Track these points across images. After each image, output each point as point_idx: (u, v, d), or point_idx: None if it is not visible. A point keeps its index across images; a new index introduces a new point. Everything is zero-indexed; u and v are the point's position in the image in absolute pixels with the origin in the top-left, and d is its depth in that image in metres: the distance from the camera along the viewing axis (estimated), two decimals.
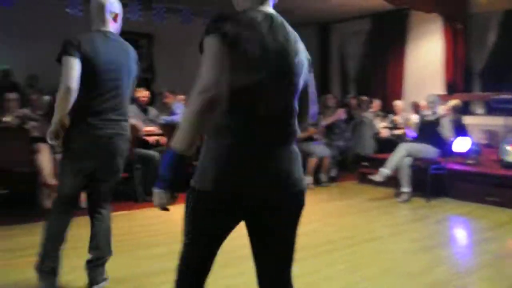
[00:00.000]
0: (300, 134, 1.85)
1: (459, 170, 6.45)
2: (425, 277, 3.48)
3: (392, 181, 6.45)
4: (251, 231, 1.90)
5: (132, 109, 6.32)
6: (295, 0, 8.92)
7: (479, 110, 9.10)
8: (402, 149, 6.26)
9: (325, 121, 7.80)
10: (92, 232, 3.24)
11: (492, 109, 7.81)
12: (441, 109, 6.63)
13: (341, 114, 8.02)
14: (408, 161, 6.18)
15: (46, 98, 6.58)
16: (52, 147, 5.33)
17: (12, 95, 5.52)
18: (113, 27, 3.12)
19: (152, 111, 6.67)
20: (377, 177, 6.20)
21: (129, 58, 3.12)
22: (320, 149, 7.19)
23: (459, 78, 9.10)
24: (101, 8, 3.08)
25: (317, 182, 7.18)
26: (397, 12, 9.91)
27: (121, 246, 4.10)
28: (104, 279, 3.17)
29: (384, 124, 8.90)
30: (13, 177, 5.37)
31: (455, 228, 5.36)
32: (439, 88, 9.16)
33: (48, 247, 3.02)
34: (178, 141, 1.61)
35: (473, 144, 6.97)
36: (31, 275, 3.35)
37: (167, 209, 1.69)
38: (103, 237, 3.24)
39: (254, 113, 1.69)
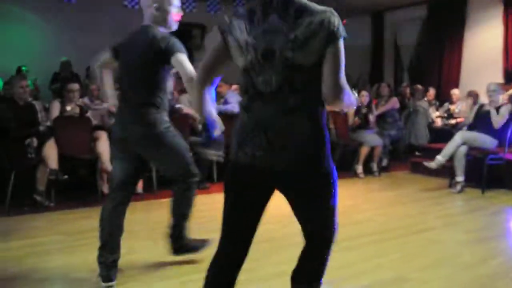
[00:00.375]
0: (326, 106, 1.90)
1: None
2: (480, 269, 3.41)
3: (446, 171, 6.31)
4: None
5: (185, 99, 6.50)
6: None
7: None
8: (458, 137, 6.11)
9: (378, 110, 7.71)
10: None
11: None
12: (501, 99, 6.41)
13: (394, 103, 7.89)
14: (463, 149, 6.01)
15: None
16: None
17: (75, 86, 5.75)
18: None
19: None
20: (432, 165, 6.08)
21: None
22: (372, 138, 7.11)
23: None
24: None
25: (368, 171, 7.12)
26: None
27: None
28: None
29: (438, 113, 8.68)
30: (76, 164, 5.64)
31: (511, 220, 5.18)
32: (498, 76, 8.83)
33: None
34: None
35: None
36: (92, 257, 3.53)
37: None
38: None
39: (254, 90, 1.88)
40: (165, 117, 3.20)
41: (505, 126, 6.03)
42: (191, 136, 5.97)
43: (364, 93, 7.43)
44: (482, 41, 9.48)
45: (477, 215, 5.06)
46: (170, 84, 3.33)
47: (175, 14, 3.25)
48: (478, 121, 6.24)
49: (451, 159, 6.09)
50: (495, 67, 9.02)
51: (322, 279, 2.17)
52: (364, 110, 7.27)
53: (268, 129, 1.84)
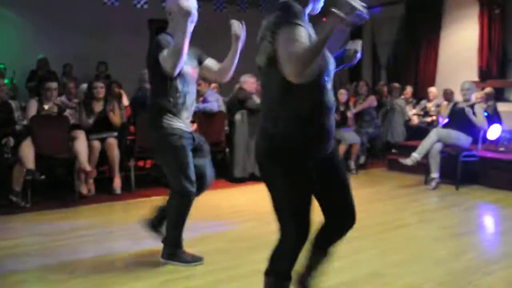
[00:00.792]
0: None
1: (491, 158, 6.34)
2: (453, 264, 3.48)
3: (421, 168, 6.41)
4: None
5: None
6: None
7: None
8: (433, 134, 6.21)
9: (356, 108, 7.78)
10: None
11: None
12: (475, 97, 6.52)
13: (372, 101, 7.97)
14: (438, 146, 6.11)
15: (83, 86, 6.77)
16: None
17: (53, 84, 5.67)
18: None
19: None
20: (408, 161, 6.16)
21: None
22: (350, 136, 7.18)
23: (493, 64, 8.89)
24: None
25: (346, 169, 7.16)
26: None
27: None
28: None
29: (415, 111, 8.81)
30: (53, 163, 5.58)
31: (484, 215, 5.30)
32: (473, 74, 8.98)
33: None
34: None
35: (505, 131, 6.86)
36: (69, 258, 3.53)
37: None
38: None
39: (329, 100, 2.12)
40: (179, 123, 3.25)
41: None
42: None
43: (342, 91, 7.50)
44: (458, 40, 9.63)
45: (451, 211, 5.15)
46: (188, 86, 3.31)
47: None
48: (454, 119, 6.34)
49: (426, 156, 6.18)
50: (470, 65, 9.17)
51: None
52: (342, 108, 7.34)
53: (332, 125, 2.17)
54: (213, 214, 4.79)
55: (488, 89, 7.81)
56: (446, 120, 6.60)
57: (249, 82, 6.51)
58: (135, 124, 5.77)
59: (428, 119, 8.37)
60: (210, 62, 3.53)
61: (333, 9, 1.83)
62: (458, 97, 7.32)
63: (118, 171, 5.65)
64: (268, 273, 2.24)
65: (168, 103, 3.20)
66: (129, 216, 4.77)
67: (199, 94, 6.76)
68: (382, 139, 8.48)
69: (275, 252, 2.23)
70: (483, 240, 4.30)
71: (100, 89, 5.71)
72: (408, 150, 6.63)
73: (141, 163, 6.88)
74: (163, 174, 6.14)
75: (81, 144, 5.34)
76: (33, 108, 5.45)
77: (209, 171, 3.55)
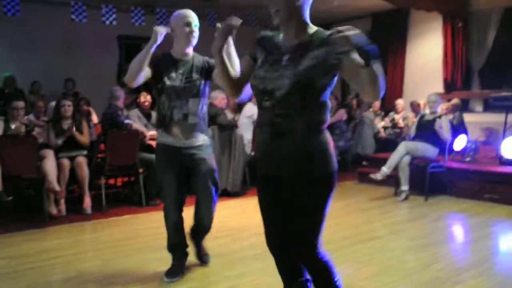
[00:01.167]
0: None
1: (457, 168, 6.51)
2: (424, 274, 3.55)
3: (392, 180, 6.52)
4: None
5: (135, 114, 6.44)
6: None
7: (478, 107, 9.17)
8: (401, 148, 6.33)
9: None
10: None
11: (491, 107, 7.87)
12: (440, 109, 6.69)
13: (342, 114, 8.09)
14: (407, 159, 6.25)
15: (52, 104, 6.67)
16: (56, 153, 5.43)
17: (20, 103, 5.59)
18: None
19: (155, 115, 6.75)
20: (378, 176, 6.27)
21: None
22: None
23: (458, 76, 9.15)
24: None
25: None
26: (398, 11, 9.99)
27: (130, 250, 4.19)
28: None
29: (383, 123, 8.97)
30: (21, 184, 5.47)
31: (453, 225, 5.41)
32: (438, 86, 9.22)
33: None
34: None
35: (471, 141, 7.04)
36: (39, 281, 3.45)
37: None
38: None
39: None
40: (162, 138, 3.36)
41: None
42: (141, 152, 5.92)
43: None
44: (423, 53, 9.89)
45: (421, 222, 5.25)
46: (175, 101, 3.32)
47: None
48: (420, 131, 6.48)
49: (395, 168, 6.30)
50: (435, 77, 9.43)
51: None
52: None
53: None
54: (186, 231, 4.76)
55: (455, 101, 8.02)
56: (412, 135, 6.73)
57: (220, 98, 6.55)
58: (105, 141, 5.72)
59: (397, 130, 8.53)
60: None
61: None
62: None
63: (88, 190, 5.57)
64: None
65: (158, 117, 3.39)
66: (100, 236, 4.71)
67: None
68: (352, 152, 8.59)
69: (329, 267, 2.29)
70: (452, 250, 4.38)
71: (68, 107, 5.63)
72: (378, 162, 6.75)
73: (112, 181, 6.81)
74: (135, 192, 6.13)
75: (49, 163, 5.25)
76: None
77: (203, 207, 3.65)
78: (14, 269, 3.72)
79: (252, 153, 6.61)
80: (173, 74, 3.32)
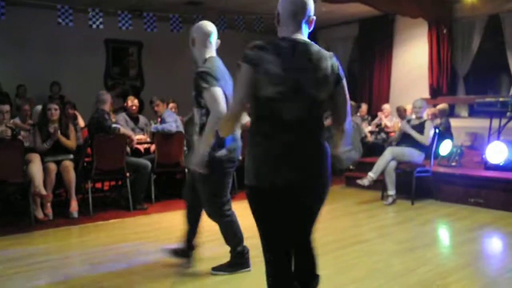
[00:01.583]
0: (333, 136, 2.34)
1: (443, 173, 6.59)
2: (410, 277, 3.59)
3: (378, 185, 6.59)
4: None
5: (122, 118, 6.43)
6: None
7: (463, 112, 9.28)
8: (387, 153, 6.39)
9: None
10: None
11: (476, 112, 7.97)
12: (425, 114, 6.76)
13: (329, 120, 8.12)
14: (393, 164, 6.31)
15: (38, 108, 6.63)
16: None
17: (5, 107, 5.56)
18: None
19: (142, 119, 6.76)
20: (364, 182, 6.32)
21: None
22: None
23: (443, 82, 9.26)
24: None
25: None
26: (384, 17, 10.10)
27: (117, 254, 4.19)
28: None
29: (370, 128, 9.04)
30: (7, 188, 5.43)
31: (439, 229, 5.47)
32: (424, 91, 9.32)
33: None
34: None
35: (456, 146, 7.13)
36: (25, 286, 3.44)
37: None
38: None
39: (279, 118, 2.14)
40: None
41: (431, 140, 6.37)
42: (128, 156, 5.91)
43: None
44: (409, 58, 10.00)
45: (407, 226, 5.30)
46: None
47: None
48: (406, 136, 6.54)
49: (382, 173, 6.36)
50: (421, 83, 9.53)
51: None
52: None
53: (296, 152, 2.18)
54: (173, 236, 4.76)
55: (442, 106, 8.09)
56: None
57: None
58: (92, 145, 5.70)
59: (383, 136, 8.60)
60: None
61: None
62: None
63: (75, 194, 5.55)
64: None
65: None
66: (87, 240, 4.70)
67: (156, 114, 6.76)
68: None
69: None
70: (438, 253, 4.43)
71: (54, 111, 5.61)
72: (365, 167, 6.80)
73: (99, 185, 6.78)
74: (122, 196, 6.11)
75: (36, 167, 5.23)
76: None
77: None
78: (0, 273, 3.70)
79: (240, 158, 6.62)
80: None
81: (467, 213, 5.78)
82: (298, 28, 2.26)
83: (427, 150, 6.39)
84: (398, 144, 6.59)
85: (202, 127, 3.24)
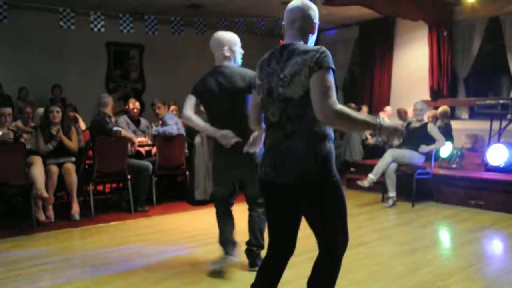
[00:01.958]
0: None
1: (443, 175, 6.60)
2: (411, 279, 3.60)
3: (379, 186, 6.59)
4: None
5: (124, 120, 6.45)
6: (283, 11, 9.06)
7: (464, 115, 9.29)
8: (388, 155, 6.40)
9: None
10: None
11: (476, 114, 7.98)
12: (426, 117, 6.78)
13: None
14: (393, 166, 6.32)
15: (40, 110, 6.66)
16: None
17: (7, 110, 5.57)
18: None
19: (143, 122, 6.78)
20: (365, 183, 6.32)
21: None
22: None
23: (444, 84, 9.27)
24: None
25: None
26: (384, 20, 10.11)
27: (118, 256, 4.20)
28: None
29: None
30: (9, 191, 5.45)
31: (440, 231, 5.47)
32: (425, 94, 9.33)
33: None
34: None
35: (457, 148, 7.14)
36: (26, 287, 3.44)
37: None
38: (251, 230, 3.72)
39: (268, 120, 2.34)
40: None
41: (431, 142, 6.39)
42: (129, 158, 5.93)
43: None
44: (409, 61, 10.01)
45: (408, 228, 5.32)
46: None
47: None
48: (406, 138, 6.54)
49: (382, 175, 6.37)
50: (422, 85, 9.53)
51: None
52: None
53: (275, 151, 2.26)
54: (175, 238, 4.79)
55: (442, 108, 8.10)
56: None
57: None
58: (93, 148, 5.72)
59: (384, 138, 8.60)
60: None
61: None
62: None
63: (76, 196, 5.57)
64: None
65: None
66: (89, 242, 4.71)
67: (158, 117, 6.78)
68: (340, 159, 8.65)
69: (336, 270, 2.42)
70: (439, 255, 4.44)
71: (56, 113, 5.63)
72: (365, 169, 6.81)
73: (100, 187, 6.80)
74: (123, 198, 6.13)
75: (38, 170, 5.25)
76: None
77: None
78: (2, 275, 3.71)
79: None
80: None
81: (468, 215, 5.79)
82: (296, 35, 2.32)
83: (428, 153, 6.39)
84: (400, 146, 6.60)
85: None
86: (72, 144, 5.66)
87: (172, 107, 7.60)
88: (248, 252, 3.72)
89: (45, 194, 5.20)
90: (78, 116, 7.45)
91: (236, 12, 9.26)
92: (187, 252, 4.33)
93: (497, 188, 6.04)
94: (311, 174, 2.17)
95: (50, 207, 5.41)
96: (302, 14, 2.33)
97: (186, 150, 6.56)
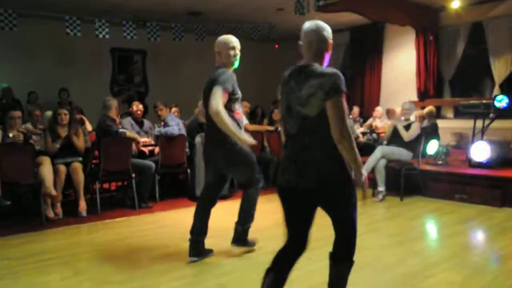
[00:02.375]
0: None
1: (430, 170, 6.62)
2: (400, 269, 3.62)
3: (370, 183, 6.59)
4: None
5: (128, 122, 6.45)
6: (278, 17, 9.10)
7: (449, 114, 9.32)
8: (378, 151, 6.42)
9: None
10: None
11: (461, 113, 8.00)
12: (413, 116, 6.80)
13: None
14: (383, 162, 6.34)
15: (48, 113, 6.66)
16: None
17: (17, 113, 5.57)
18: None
19: (146, 123, 6.78)
20: None
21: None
22: None
23: (430, 85, 9.30)
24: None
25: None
26: (374, 25, 10.14)
27: (123, 250, 4.21)
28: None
29: (362, 129, 9.08)
30: (20, 189, 5.45)
31: (427, 223, 5.49)
32: (412, 95, 9.36)
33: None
34: None
35: (443, 146, 7.16)
36: (37, 281, 3.45)
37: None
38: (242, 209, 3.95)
39: (287, 133, 2.46)
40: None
41: (418, 140, 6.40)
42: (133, 158, 5.93)
43: None
44: (398, 64, 10.03)
45: (397, 221, 5.33)
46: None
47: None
48: (395, 136, 6.58)
49: (373, 171, 6.39)
50: (410, 86, 9.57)
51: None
52: None
53: (295, 160, 2.38)
54: (177, 232, 4.79)
55: (428, 108, 8.12)
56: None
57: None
58: (99, 148, 5.73)
59: (375, 136, 8.63)
60: None
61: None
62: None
63: (84, 194, 5.57)
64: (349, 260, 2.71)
65: None
66: (95, 237, 4.71)
67: (160, 119, 6.79)
68: None
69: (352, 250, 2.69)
70: (426, 246, 4.46)
71: (64, 115, 5.64)
72: None
73: (106, 186, 6.80)
74: (128, 196, 6.13)
75: (46, 169, 5.24)
76: None
77: None
78: (14, 269, 3.72)
79: None
80: None
81: (453, 208, 5.82)
82: (312, 56, 2.44)
83: (415, 150, 6.42)
84: (389, 144, 6.62)
85: None
86: (80, 143, 5.66)
87: (174, 109, 7.61)
88: (234, 229, 3.95)
89: (54, 192, 5.20)
90: (84, 118, 7.45)
91: (233, 19, 9.27)
92: (188, 245, 4.33)
93: (480, 183, 6.06)
94: (331, 177, 2.33)
95: (59, 204, 5.41)
96: (317, 37, 2.47)
97: (187, 150, 6.56)
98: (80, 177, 5.48)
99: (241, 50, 3.77)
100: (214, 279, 3.44)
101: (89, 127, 7.26)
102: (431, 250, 4.35)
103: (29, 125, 6.73)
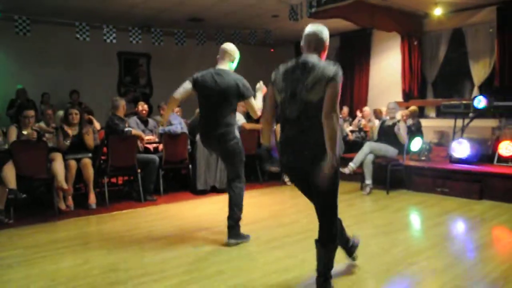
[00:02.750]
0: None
1: (414, 166, 6.65)
2: (385, 257, 3.64)
3: (357, 177, 6.63)
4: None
5: (134, 121, 6.45)
6: (273, 24, 9.09)
7: (432, 114, 9.34)
8: (366, 147, 6.44)
9: None
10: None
11: (442, 113, 8.03)
12: (399, 115, 6.82)
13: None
14: (370, 157, 6.36)
15: (60, 113, 6.66)
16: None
17: (31, 112, 5.57)
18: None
19: (151, 122, 6.78)
20: (346, 170, 6.32)
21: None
22: None
23: (414, 87, 9.31)
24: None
25: (292, 180, 7.28)
26: (362, 31, 10.13)
27: (130, 240, 4.22)
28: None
29: (351, 127, 9.10)
30: (33, 183, 5.45)
31: (411, 215, 5.51)
32: (398, 95, 9.37)
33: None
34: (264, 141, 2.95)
35: (425, 143, 7.19)
36: (50, 268, 3.46)
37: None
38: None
39: (285, 117, 2.67)
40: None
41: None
42: (139, 154, 5.94)
43: None
44: (384, 67, 10.03)
45: (383, 213, 5.35)
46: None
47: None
48: (382, 134, 6.60)
49: (361, 166, 6.41)
50: (396, 88, 9.56)
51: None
52: None
53: (293, 143, 2.63)
54: (179, 223, 4.81)
55: (411, 108, 8.16)
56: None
57: None
58: (107, 145, 5.73)
59: (363, 134, 8.65)
60: None
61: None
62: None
63: (93, 188, 5.58)
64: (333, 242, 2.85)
65: None
66: (104, 228, 4.72)
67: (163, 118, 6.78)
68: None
69: (334, 233, 2.87)
70: (409, 236, 4.47)
71: (75, 115, 5.65)
72: (346, 161, 6.82)
73: (114, 180, 6.80)
74: (134, 189, 6.13)
75: (58, 165, 5.25)
76: (13, 134, 5.34)
77: None
78: (28, 257, 3.73)
79: None
80: None
81: (435, 201, 5.84)
82: (312, 53, 2.69)
83: (400, 147, 6.44)
84: (376, 141, 6.64)
85: None
86: (89, 140, 5.66)
87: (176, 109, 7.59)
88: (227, 226, 3.93)
89: (65, 186, 5.21)
90: (92, 118, 7.44)
91: (232, 25, 9.26)
92: (190, 235, 4.36)
93: (460, 178, 6.10)
94: (322, 157, 2.50)
95: (70, 197, 5.43)
96: (316, 38, 2.73)
97: (189, 147, 6.57)
98: (89, 172, 5.49)
99: (239, 54, 3.82)
100: (213, 266, 3.46)
101: (97, 125, 7.25)
102: (415, 239, 4.36)
103: (42, 124, 6.72)
